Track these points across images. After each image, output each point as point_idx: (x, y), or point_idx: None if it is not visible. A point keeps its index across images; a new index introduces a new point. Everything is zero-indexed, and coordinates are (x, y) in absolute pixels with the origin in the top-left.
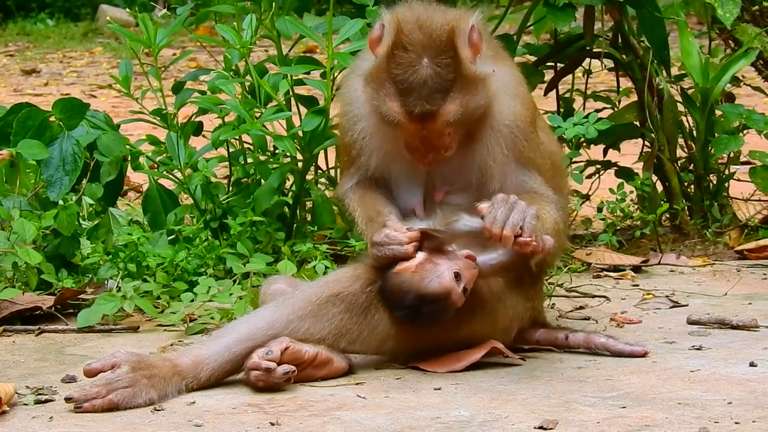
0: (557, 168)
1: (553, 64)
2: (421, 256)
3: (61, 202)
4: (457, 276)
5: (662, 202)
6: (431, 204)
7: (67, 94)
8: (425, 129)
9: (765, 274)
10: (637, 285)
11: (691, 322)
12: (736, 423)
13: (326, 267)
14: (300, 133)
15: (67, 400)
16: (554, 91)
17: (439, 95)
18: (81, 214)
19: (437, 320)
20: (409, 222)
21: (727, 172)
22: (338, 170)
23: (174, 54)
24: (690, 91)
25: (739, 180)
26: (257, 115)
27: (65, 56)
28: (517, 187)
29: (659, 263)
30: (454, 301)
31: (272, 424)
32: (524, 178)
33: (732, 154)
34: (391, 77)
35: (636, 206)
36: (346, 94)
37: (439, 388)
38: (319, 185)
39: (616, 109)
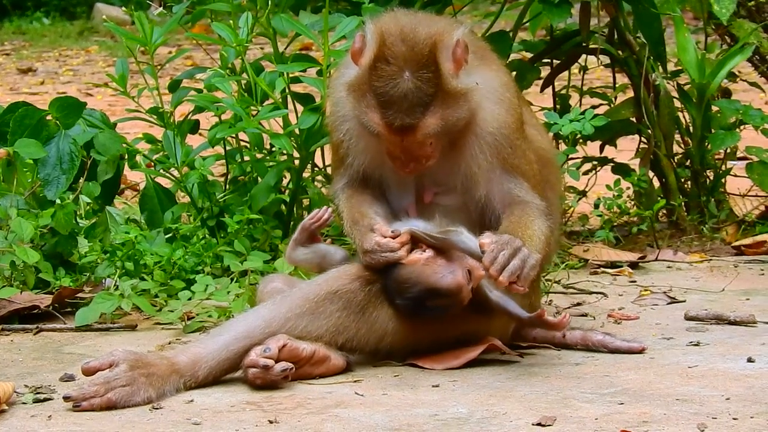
0: (549, 165)
1: (549, 60)
2: (430, 252)
3: (58, 201)
4: (468, 274)
5: (659, 198)
6: (422, 205)
7: (63, 93)
8: (405, 141)
9: (762, 270)
10: (635, 281)
11: (688, 318)
12: (734, 419)
13: None
14: (296, 131)
15: (66, 398)
16: (550, 87)
17: (419, 109)
18: (78, 212)
19: (438, 316)
20: (396, 223)
21: (723, 167)
22: (332, 169)
23: (170, 52)
24: (686, 87)
25: (735, 176)
26: (254, 113)
27: (61, 55)
28: (503, 195)
29: (656, 259)
30: (463, 299)
31: (270, 422)
32: (510, 186)
33: (729, 150)
34: (372, 89)
35: (633, 202)
36: (333, 95)
37: (437, 385)
38: (315, 183)
39: (612, 106)
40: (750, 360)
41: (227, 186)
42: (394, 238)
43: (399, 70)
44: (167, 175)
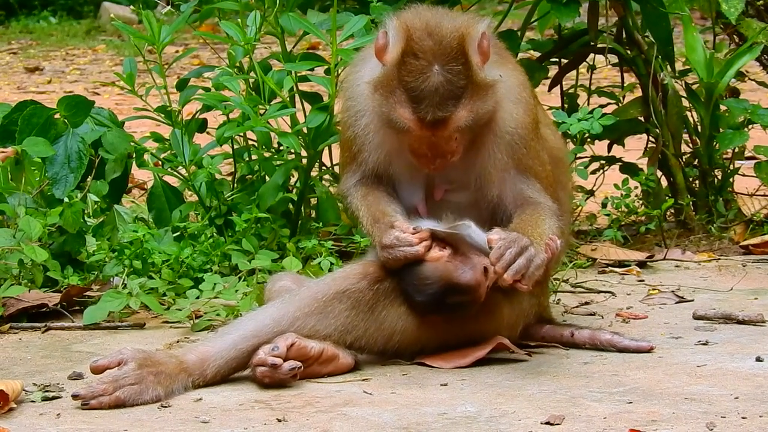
0: (560, 164)
1: (557, 59)
2: (449, 250)
3: (66, 200)
4: (486, 271)
5: (667, 198)
6: (432, 202)
7: (70, 92)
8: (435, 135)
9: None
10: (643, 280)
11: (696, 317)
12: (743, 418)
13: (331, 263)
14: (304, 130)
15: (74, 397)
16: (558, 86)
17: (450, 102)
18: (86, 211)
19: (456, 313)
20: (414, 221)
21: (732, 167)
22: (340, 167)
23: (177, 52)
24: (694, 86)
25: (744, 175)
26: (261, 111)
27: (68, 54)
28: (515, 195)
29: (664, 258)
30: (480, 296)
31: (279, 421)
32: (522, 186)
33: (737, 149)
34: (402, 84)
35: (641, 202)
36: (348, 89)
37: (446, 384)
38: (323, 182)
39: (620, 105)
40: (758, 359)
41: (235, 185)
42: (414, 234)
43: (428, 64)
44: (175, 173)
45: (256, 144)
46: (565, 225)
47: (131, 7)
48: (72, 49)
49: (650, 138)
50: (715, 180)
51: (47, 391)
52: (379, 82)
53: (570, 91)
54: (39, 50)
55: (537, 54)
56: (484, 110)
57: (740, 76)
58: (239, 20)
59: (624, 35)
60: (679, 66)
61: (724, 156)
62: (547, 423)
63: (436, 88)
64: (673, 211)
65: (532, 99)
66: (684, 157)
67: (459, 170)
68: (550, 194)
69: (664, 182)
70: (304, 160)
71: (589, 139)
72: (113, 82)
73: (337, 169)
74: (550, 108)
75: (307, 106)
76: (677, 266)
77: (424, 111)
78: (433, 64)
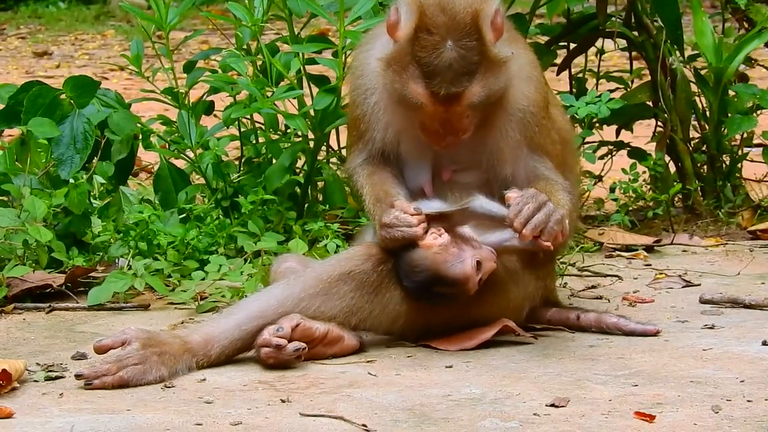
0: (568, 145)
1: (565, 44)
2: (446, 238)
3: (71, 181)
4: (478, 265)
5: (675, 183)
6: (440, 182)
7: None
8: (448, 111)
9: None
10: (650, 264)
11: (703, 302)
12: (749, 401)
13: (337, 246)
14: (311, 112)
15: (78, 377)
16: (567, 71)
17: (464, 77)
18: (92, 192)
19: (444, 303)
20: (418, 202)
21: (740, 152)
22: (347, 146)
23: (185, 37)
24: (703, 71)
25: (752, 161)
26: (268, 93)
27: (77, 39)
28: (528, 173)
29: (672, 243)
30: (469, 290)
31: (283, 401)
32: (535, 164)
33: (745, 135)
34: (415, 60)
35: (649, 187)
36: (358, 67)
37: (451, 366)
38: (330, 164)
39: (628, 90)
40: (764, 343)
41: (241, 167)
42: (414, 215)
43: (442, 39)
44: (182, 155)
45: (263, 126)
46: (575, 204)
47: None
48: (81, 34)
49: (658, 123)
50: (723, 165)
51: (50, 371)
52: (392, 59)
53: (579, 75)
54: (48, 35)
55: (545, 38)
56: (497, 87)
57: (749, 61)
58: (247, 2)
59: (633, 20)
60: (687, 51)
61: (733, 141)
62: (552, 405)
63: (450, 64)
64: (680, 196)
65: (542, 77)
66: (692, 143)
67: (468, 150)
68: (561, 171)
69: (672, 167)
70: (311, 143)
71: (597, 124)
72: (121, 67)
73: (344, 152)
74: (559, 93)
75: (315, 89)
76: (684, 251)
77: (438, 86)
78: (447, 40)
